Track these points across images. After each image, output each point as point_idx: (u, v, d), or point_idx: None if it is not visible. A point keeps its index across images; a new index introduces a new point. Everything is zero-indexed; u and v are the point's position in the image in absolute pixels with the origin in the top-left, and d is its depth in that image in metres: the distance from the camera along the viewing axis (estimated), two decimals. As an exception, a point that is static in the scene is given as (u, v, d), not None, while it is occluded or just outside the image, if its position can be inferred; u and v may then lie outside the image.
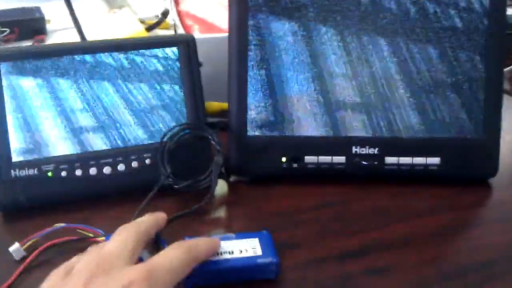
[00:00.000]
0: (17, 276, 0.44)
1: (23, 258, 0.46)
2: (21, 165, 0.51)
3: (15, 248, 0.46)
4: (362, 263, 0.46)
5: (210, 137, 0.54)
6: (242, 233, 0.45)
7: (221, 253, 0.43)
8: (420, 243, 0.49)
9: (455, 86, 0.56)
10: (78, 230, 0.47)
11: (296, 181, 0.57)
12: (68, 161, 0.52)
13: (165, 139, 0.53)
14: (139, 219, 0.42)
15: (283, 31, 0.56)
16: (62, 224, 0.47)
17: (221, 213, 0.53)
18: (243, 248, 0.43)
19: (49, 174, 0.51)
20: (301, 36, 0.56)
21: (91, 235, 0.47)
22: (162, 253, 0.37)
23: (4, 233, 0.51)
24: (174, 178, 0.51)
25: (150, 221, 0.42)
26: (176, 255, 0.37)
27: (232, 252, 0.43)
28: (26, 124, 0.51)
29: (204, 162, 0.54)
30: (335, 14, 0.55)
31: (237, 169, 0.56)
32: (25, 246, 0.46)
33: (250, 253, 0.43)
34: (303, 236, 0.50)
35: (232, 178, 0.57)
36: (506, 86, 0.79)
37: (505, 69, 0.80)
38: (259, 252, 0.43)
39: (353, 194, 0.56)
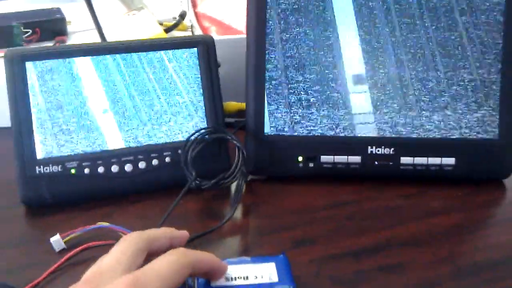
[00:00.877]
0: (55, 268, 0.45)
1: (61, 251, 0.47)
2: (45, 162, 0.52)
3: (56, 239, 0.47)
4: (376, 260, 0.47)
5: (230, 137, 0.55)
6: (258, 257, 0.44)
7: (235, 278, 0.41)
8: (434, 241, 0.50)
9: (470, 87, 0.56)
10: (120, 233, 0.48)
11: (312, 180, 0.58)
12: (91, 158, 0.53)
13: (187, 146, 0.54)
14: (149, 230, 0.41)
15: (302, 31, 0.57)
16: (106, 224, 0.48)
17: (237, 212, 0.54)
18: (259, 273, 0.41)
19: (72, 171, 0.53)
20: (320, 36, 0.57)
21: None
22: (154, 260, 0.36)
23: (32, 227, 0.53)
24: (199, 180, 0.53)
25: (158, 232, 0.41)
26: (168, 261, 0.36)
27: (247, 278, 0.41)
28: (51, 121, 0.53)
29: (224, 160, 0.56)
30: (354, 14, 0.56)
31: (254, 168, 0.57)
32: (66, 239, 0.47)
33: (265, 279, 0.41)
34: (318, 234, 0.51)
35: (248, 177, 0.58)
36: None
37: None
38: (275, 278, 0.41)
39: (368, 193, 0.56)
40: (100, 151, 0.54)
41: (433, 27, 0.56)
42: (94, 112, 0.54)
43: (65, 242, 0.48)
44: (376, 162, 0.57)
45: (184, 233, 0.43)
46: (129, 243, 0.37)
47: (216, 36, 0.69)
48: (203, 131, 0.55)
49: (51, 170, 0.52)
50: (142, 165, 0.54)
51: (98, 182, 0.54)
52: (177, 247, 0.39)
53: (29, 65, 0.53)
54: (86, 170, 0.53)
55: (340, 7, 0.56)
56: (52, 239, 0.47)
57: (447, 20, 0.56)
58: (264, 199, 0.56)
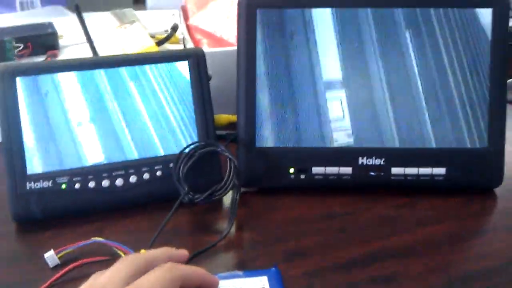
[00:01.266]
0: (49, 284, 0.45)
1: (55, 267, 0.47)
2: (36, 177, 0.52)
3: (50, 255, 0.47)
4: (368, 272, 0.47)
5: (221, 150, 0.55)
6: (250, 271, 0.44)
7: None
8: (426, 252, 0.50)
9: (460, 98, 0.57)
10: (114, 249, 0.47)
11: (304, 191, 0.58)
12: (82, 173, 0.53)
13: (179, 161, 0.54)
14: (147, 251, 0.42)
15: (293, 44, 0.57)
16: (100, 239, 0.48)
17: (230, 222, 0.54)
18: (251, 287, 0.42)
19: (63, 186, 0.53)
20: (311, 50, 0.57)
21: (123, 254, 0.47)
22: (144, 275, 0.37)
23: (24, 244, 0.52)
24: (192, 194, 0.53)
25: (156, 254, 0.41)
26: (156, 277, 0.36)
27: None
28: (41, 137, 0.53)
29: (216, 173, 0.56)
30: (343, 29, 0.57)
31: (245, 180, 0.57)
32: (60, 254, 0.47)
33: None
34: (310, 246, 0.51)
35: (240, 189, 0.58)
36: (511, 96, 0.80)
37: (509, 80, 0.81)
38: None
39: (360, 204, 0.56)
40: (91, 165, 0.54)
41: (419, 43, 0.57)
42: (84, 128, 0.54)
43: (59, 258, 0.47)
44: (367, 173, 0.57)
45: (183, 253, 0.43)
46: (125, 264, 0.37)
47: (206, 49, 0.70)
48: (194, 145, 0.55)
49: (41, 186, 0.52)
50: (133, 179, 0.54)
51: (89, 197, 0.53)
52: None
53: (19, 80, 0.53)
54: (77, 185, 0.53)
55: (323, 28, 0.57)
56: (46, 255, 0.47)
57: (432, 41, 0.57)
58: (256, 211, 0.56)
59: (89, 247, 0.48)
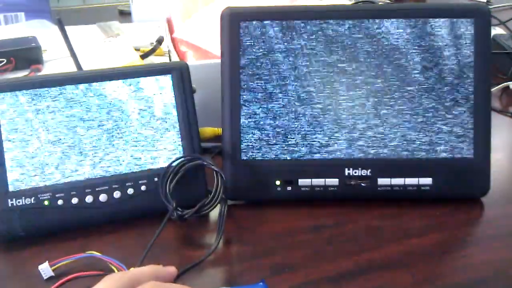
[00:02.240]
0: None
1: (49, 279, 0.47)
2: (18, 194, 0.51)
3: (44, 267, 0.47)
4: (356, 284, 0.47)
5: (207, 164, 0.54)
6: (238, 287, 0.45)
7: None
8: (414, 263, 0.49)
9: (445, 108, 0.57)
10: (108, 263, 0.47)
11: (291, 203, 0.57)
12: (64, 189, 0.52)
13: (165, 177, 0.53)
14: (133, 269, 0.41)
15: (276, 56, 0.57)
16: (95, 253, 0.48)
17: (218, 237, 0.54)
18: None
19: (46, 203, 0.52)
20: (294, 62, 0.57)
21: (116, 270, 0.47)
22: None
23: (6, 261, 0.51)
24: (180, 210, 0.52)
25: (142, 272, 0.41)
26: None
27: None
28: (22, 153, 0.52)
29: (201, 187, 0.55)
30: (326, 41, 0.57)
31: (232, 193, 0.57)
32: (54, 267, 0.47)
33: None
34: (298, 259, 0.50)
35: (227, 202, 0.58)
36: (496, 104, 0.80)
37: (494, 88, 0.82)
38: None
39: (347, 215, 0.56)
40: (74, 181, 0.53)
41: (404, 54, 0.57)
42: (66, 142, 0.53)
43: (53, 270, 0.47)
44: (353, 184, 0.56)
45: (170, 270, 0.42)
46: (108, 283, 0.37)
47: (191, 62, 0.69)
48: (180, 159, 0.54)
49: (23, 203, 0.51)
50: (117, 194, 0.54)
51: (72, 213, 0.53)
52: None
53: (1, 96, 0.52)
54: (60, 202, 0.52)
55: (306, 41, 0.57)
56: (41, 267, 0.47)
57: (416, 52, 0.57)
58: (243, 224, 0.56)
59: (81, 261, 0.48)
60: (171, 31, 0.85)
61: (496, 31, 1.00)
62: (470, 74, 0.57)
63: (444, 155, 0.57)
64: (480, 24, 0.56)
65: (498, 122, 0.62)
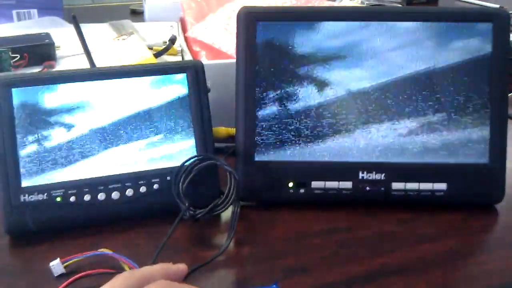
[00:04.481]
0: None
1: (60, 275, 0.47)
2: (30, 190, 0.51)
3: (56, 263, 0.47)
4: (369, 289, 0.46)
5: (221, 164, 0.54)
6: None
7: None
8: (427, 269, 0.49)
9: (461, 113, 0.56)
10: (120, 261, 0.47)
11: (303, 206, 0.57)
12: (77, 186, 0.52)
13: (178, 176, 0.53)
14: (143, 268, 0.41)
15: (292, 57, 0.57)
16: (106, 251, 0.47)
17: (229, 237, 0.53)
18: None
19: (58, 199, 0.52)
20: (310, 62, 0.57)
21: (127, 268, 0.47)
22: None
23: (18, 257, 0.51)
24: (193, 210, 0.52)
25: (152, 270, 0.40)
26: None
27: None
28: (36, 149, 0.52)
29: (214, 187, 0.55)
30: (344, 42, 0.56)
31: (244, 194, 0.57)
32: (66, 264, 0.47)
33: None
34: (310, 262, 0.50)
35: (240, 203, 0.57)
36: (511, 111, 0.80)
37: (510, 94, 0.81)
38: None
39: (360, 219, 0.56)
40: (86, 178, 0.53)
41: (420, 57, 0.56)
42: (79, 139, 0.53)
43: (65, 267, 0.47)
44: (367, 188, 0.56)
45: (181, 268, 0.42)
46: (119, 282, 0.37)
47: (205, 61, 0.69)
48: (193, 159, 0.54)
49: (36, 199, 0.51)
50: (129, 192, 0.53)
51: (84, 210, 0.52)
52: None
53: (15, 91, 0.52)
54: (72, 198, 0.52)
55: (323, 41, 0.56)
56: (52, 263, 0.47)
57: (433, 55, 0.56)
58: (255, 226, 0.55)
59: (93, 258, 0.47)
60: (184, 30, 0.85)
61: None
62: (487, 79, 0.56)
63: (459, 160, 0.56)
64: (498, 29, 0.56)
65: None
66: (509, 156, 0.57)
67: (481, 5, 1.29)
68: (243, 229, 0.54)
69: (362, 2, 1.20)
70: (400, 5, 1.31)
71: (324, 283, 0.47)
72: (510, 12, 1.17)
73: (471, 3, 1.33)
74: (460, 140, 0.56)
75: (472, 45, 0.56)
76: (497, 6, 1.23)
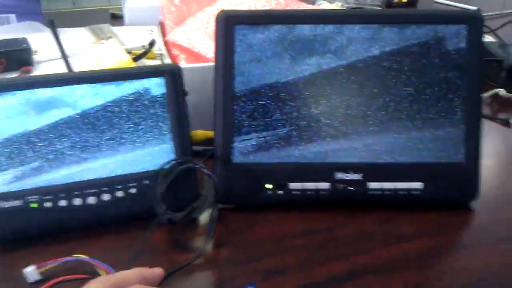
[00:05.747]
0: None
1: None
2: (5, 196, 0.51)
3: (31, 270, 0.46)
4: (348, 289, 0.47)
5: (199, 167, 0.54)
6: None
7: None
8: (405, 268, 0.49)
9: (436, 113, 0.57)
10: (95, 266, 0.47)
11: (282, 207, 0.57)
12: (52, 191, 0.52)
13: (156, 180, 0.53)
14: (119, 272, 0.41)
15: (269, 61, 0.57)
16: (82, 256, 0.47)
17: (207, 240, 0.53)
18: None
19: (33, 205, 0.51)
20: (287, 65, 0.57)
21: (105, 273, 0.46)
22: None
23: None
24: (170, 213, 0.51)
25: (127, 274, 0.40)
26: None
27: None
28: (10, 154, 0.51)
29: (193, 190, 0.55)
30: (320, 45, 0.57)
31: (222, 196, 0.56)
32: (41, 270, 0.46)
33: None
34: (290, 263, 0.50)
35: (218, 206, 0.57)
36: (486, 111, 0.81)
37: (485, 94, 0.83)
38: None
39: (338, 219, 0.56)
40: (62, 184, 0.52)
41: (394, 60, 0.57)
42: (54, 145, 0.53)
43: (40, 273, 0.47)
44: (344, 188, 0.56)
45: (157, 272, 0.42)
46: (94, 287, 0.37)
47: (183, 65, 0.69)
48: (171, 162, 0.54)
49: (11, 205, 0.51)
50: (106, 197, 0.53)
51: (60, 216, 0.52)
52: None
53: (-11, 96, 0.51)
54: (48, 204, 0.51)
55: (300, 44, 0.57)
56: (26, 270, 0.46)
57: (407, 57, 0.57)
58: (233, 228, 0.55)
59: (69, 264, 0.47)
60: (164, 34, 0.85)
61: (485, 38, 1.01)
62: (462, 80, 0.57)
63: (435, 160, 0.57)
64: (473, 31, 0.57)
65: (487, 128, 0.63)
66: (483, 156, 0.58)
67: (460, 8, 1.30)
68: (221, 231, 0.54)
69: (342, 6, 1.21)
70: (380, 8, 1.32)
71: (303, 284, 0.47)
72: (486, 14, 1.19)
73: (449, 5, 1.35)
74: (436, 140, 0.57)
75: (446, 47, 0.57)
76: (475, 8, 1.25)
